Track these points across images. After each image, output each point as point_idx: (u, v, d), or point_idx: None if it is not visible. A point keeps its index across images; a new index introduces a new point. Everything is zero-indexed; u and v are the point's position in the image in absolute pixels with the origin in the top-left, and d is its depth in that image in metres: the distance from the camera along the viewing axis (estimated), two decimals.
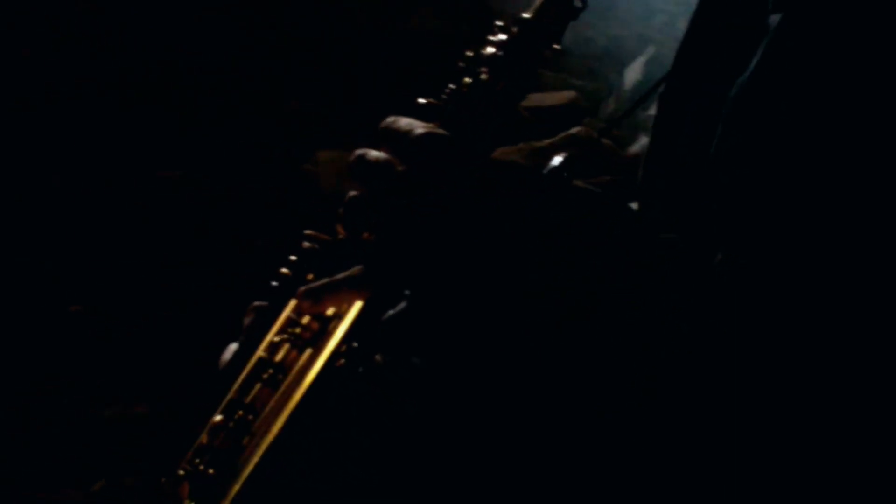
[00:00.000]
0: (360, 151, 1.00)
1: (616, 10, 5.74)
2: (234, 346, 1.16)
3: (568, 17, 1.11)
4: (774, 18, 0.97)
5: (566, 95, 5.43)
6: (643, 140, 4.79)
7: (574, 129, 4.97)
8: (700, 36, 1.14)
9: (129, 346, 3.78)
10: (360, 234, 1.02)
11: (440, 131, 1.00)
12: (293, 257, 1.13)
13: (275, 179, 4.75)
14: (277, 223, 4.51)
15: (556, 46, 1.10)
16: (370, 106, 5.28)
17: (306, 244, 1.11)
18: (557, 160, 1.04)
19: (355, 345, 1.04)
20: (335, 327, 1.05)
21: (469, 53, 1.11)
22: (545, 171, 1.02)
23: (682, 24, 1.17)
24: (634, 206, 1.15)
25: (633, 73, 5.36)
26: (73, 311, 3.92)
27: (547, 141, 4.95)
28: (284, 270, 1.12)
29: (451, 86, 1.09)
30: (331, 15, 5.68)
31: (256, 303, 1.12)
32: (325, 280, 1.05)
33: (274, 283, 1.12)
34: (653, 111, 1.18)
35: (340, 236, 1.06)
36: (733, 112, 0.97)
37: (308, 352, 1.08)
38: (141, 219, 4.43)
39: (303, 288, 1.05)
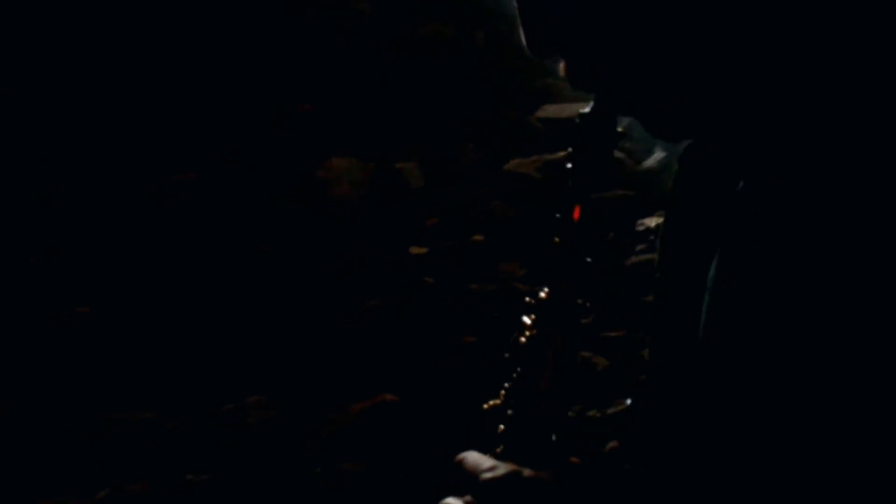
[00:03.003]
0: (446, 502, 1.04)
1: None
2: None
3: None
4: (741, 187, 0.97)
5: (581, 107, 5.41)
6: (658, 154, 4.77)
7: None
8: (681, 208, 1.13)
9: (137, 350, 3.76)
10: None
11: (500, 472, 1.01)
12: None
13: (286, 184, 4.74)
14: (287, 229, 4.50)
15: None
16: (386, 113, 5.28)
17: None
18: None
19: None
20: None
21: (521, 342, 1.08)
22: None
23: None
24: None
25: None
26: (80, 312, 3.90)
27: (561, 154, 4.93)
28: None
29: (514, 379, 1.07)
30: (344, 21, 5.67)
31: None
32: None
33: None
34: None
35: None
36: (712, 301, 0.98)
37: None
38: (153, 221, 4.42)
39: None
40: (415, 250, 4.46)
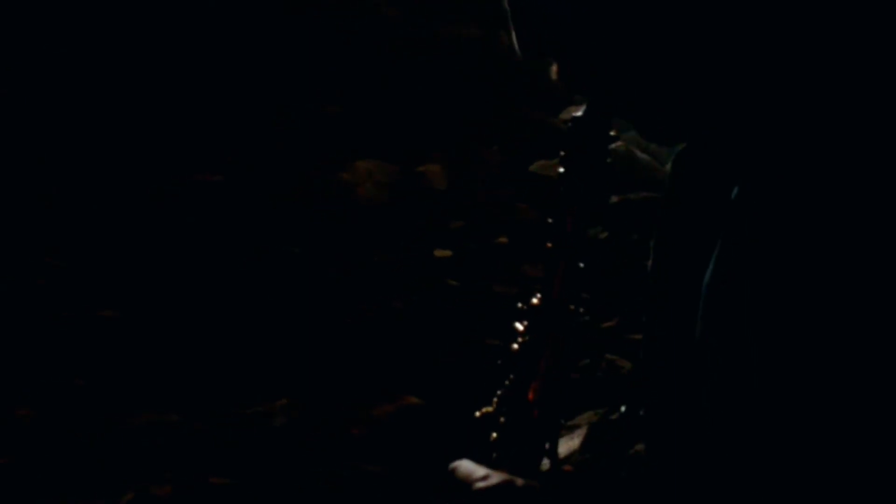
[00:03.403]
0: None
1: None
2: None
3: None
4: (739, 188, 0.96)
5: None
6: None
7: (612, 144, 4.93)
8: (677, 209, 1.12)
9: (161, 353, 3.77)
10: None
11: (493, 482, 1.02)
12: None
13: (311, 186, 4.74)
14: (312, 231, 4.50)
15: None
16: (410, 115, 5.28)
17: None
18: None
19: None
20: None
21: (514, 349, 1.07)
22: None
23: None
24: None
25: None
26: (103, 315, 3.91)
27: None
28: None
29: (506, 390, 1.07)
30: (369, 24, 5.68)
31: None
32: None
33: None
34: None
35: None
36: (706, 305, 0.98)
37: None
38: (179, 224, 4.43)
39: None
40: (439, 253, 4.45)
